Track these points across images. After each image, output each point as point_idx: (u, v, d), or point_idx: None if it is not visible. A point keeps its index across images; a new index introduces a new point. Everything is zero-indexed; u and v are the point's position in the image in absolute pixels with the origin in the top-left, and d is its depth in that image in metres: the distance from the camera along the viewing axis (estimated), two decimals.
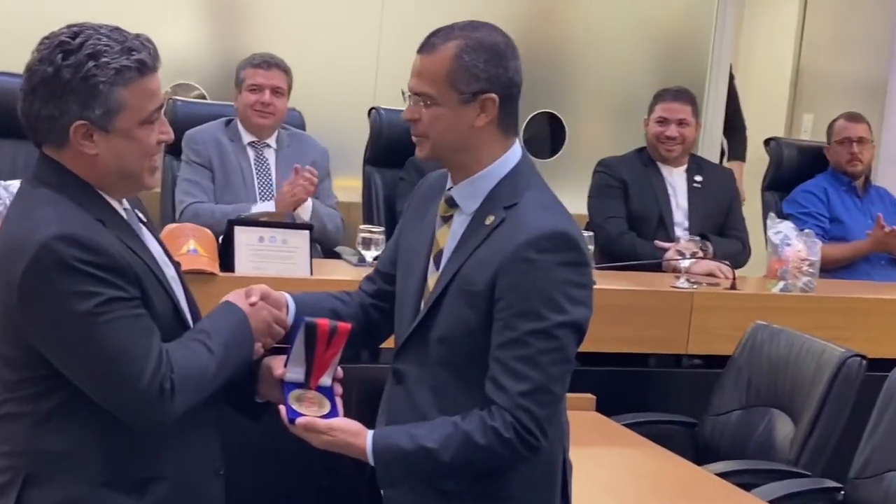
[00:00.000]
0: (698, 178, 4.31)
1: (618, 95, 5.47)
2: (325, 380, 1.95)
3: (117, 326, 1.72)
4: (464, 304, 1.89)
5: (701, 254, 3.78)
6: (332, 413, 1.92)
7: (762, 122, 5.99)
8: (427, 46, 1.91)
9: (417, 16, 4.71)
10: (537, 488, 1.95)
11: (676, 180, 4.30)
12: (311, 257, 3.16)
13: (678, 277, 3.69)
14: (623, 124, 5.36)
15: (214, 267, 2.98)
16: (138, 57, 1.78)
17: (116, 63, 1.76)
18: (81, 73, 1.74)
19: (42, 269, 1.70)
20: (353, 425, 1.89)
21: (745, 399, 3.11)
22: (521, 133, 5.21)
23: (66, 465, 1.77)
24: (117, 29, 1.81)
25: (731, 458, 2.94)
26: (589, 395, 2.98)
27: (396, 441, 1.87)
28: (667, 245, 4.01)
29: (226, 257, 3.06)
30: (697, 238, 3.87)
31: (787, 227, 3.87)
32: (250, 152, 3.97)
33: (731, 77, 5.70)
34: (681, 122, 4.25)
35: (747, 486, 2.60)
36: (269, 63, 3.93)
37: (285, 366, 1.94)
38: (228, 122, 3.99)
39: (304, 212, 3.79)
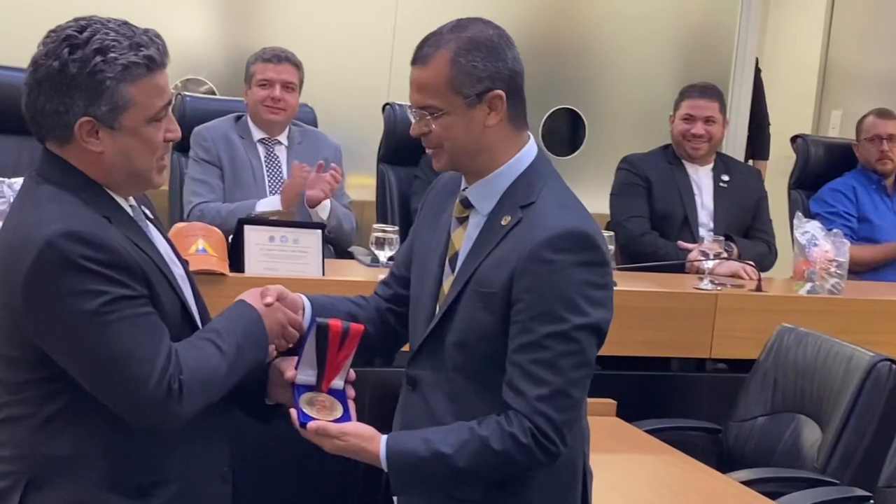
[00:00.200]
0: (725, 177, 4.26)
1: (639, 91, 5.42)
2: (338, 382, 1.93)
3: (124, 326, 1.70)
4: (480, 307, 1.86)
5: (725, 254, 3.73)
6: (345, 417, 1.89)
7: (789, 119, 5.92)
8: (420, 57, 1.88)
9: (433, 8, 4.66)
10: (556, 496, 1.92)
11: (702, 179, 4.25)
12: (324, 257, 3.13)
13: (702, 279, 3.66)
14: (644, 121, 5.32)
15: (224, 267, 2.95)
16: (147, 53, 1.75)
17: (124, 59, 1.73)
18: (88, 69, 1.72)
19: (47, 267, 1.67)
20: (366, 430, 1.86)
21: (770, 405, 3.07)
22: (540, 130, 5.17)
23: (69, 469, 1.75)
24: (126, 23, 1.79)
25: (757, 465, 2.90)
26: (609, 401, 2.96)
27: (411, 446, 1.84)
28: (690, 246, 3.97)
29: (235, 257, 3.03)
30: (722, 238, 3.81)
31: (814, 226, 3.83)
32: (261, 149, 3.93)
33: (758, 71, 5.63)
34: (707, 120, 4.20)
35: (773, 495, 2.56)
36: (280, 57, 3.89)
37: (296, 368, 1.92)
38: (238, 119, 3.95)
39: (323, 210, 3.75)
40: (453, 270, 1.92)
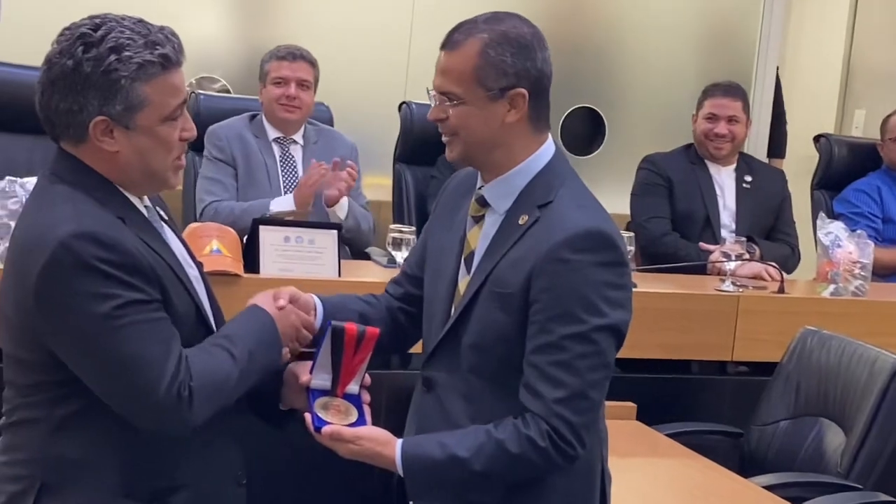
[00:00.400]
0: (748, 177, 4.22)
1: (659, 90, 5.38)
2: (353, 387, 1.92)
3: (135, 331, 1.68)
4: (497, 307, 1.84)
5: (747, 255, 3.69)
6: (360, 421, 1.88)
7: (811, 118, 5.88)
8: (450, 43, 1.86)
9: (450, 5, 4.63)
10: (574, 499, 1.90)
11: (725, 180, 4.22)
12: (340, 258, 3.10)
13: (723, 280, 3.63)
14: (664, 120, 5.29)
15: (238, 268, 2.93)
16: (162, 51, 1.74)
17: (139, 57, 1.72)
18: (102, 67, 1.71)
19: (59, 269, 1.66)
20: (382, 434, 1.85)
21: (793, 408, 3.05)
22: (559, 129, 5.14)
23: (82, 473, 1.74)
24: (141, 21, 1.77)
25: (779, 470, 2.87)
26: (629, 404, 2.94)
27: (426, 450, 1.82)
28: (711, 247, 3.94)
29: (250, 258, 3.01)
30: (744, 240, 3.78)
31: (837, 227, 3.80)
32: (276, 149, 3.91)
33: (776, 68, 5.59)
34: (731, 119, 4.16)
35: (796, 500, 2.54)
36: (295, 55, 3.87)
37: (311, 372, 1.91)
38: (253, 118, 3.93)
39: (341, 210, 3.73)
40: (469, 270, 1.90)
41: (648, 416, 2.94)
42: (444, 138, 1.90)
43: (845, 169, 4.65)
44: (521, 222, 1.85)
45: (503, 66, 1.83)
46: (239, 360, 1.76)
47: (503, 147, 1.87)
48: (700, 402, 3.49)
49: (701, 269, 3.87)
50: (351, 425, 1.84)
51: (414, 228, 3.34)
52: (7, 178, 2.84)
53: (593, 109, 5.30)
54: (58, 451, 1.73)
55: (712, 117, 4.17)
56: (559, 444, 1.79)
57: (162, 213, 1.89)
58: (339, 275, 3.08)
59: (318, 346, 1.89)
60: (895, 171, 4.55)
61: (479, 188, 1.93)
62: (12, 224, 2.61)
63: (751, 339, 3.47)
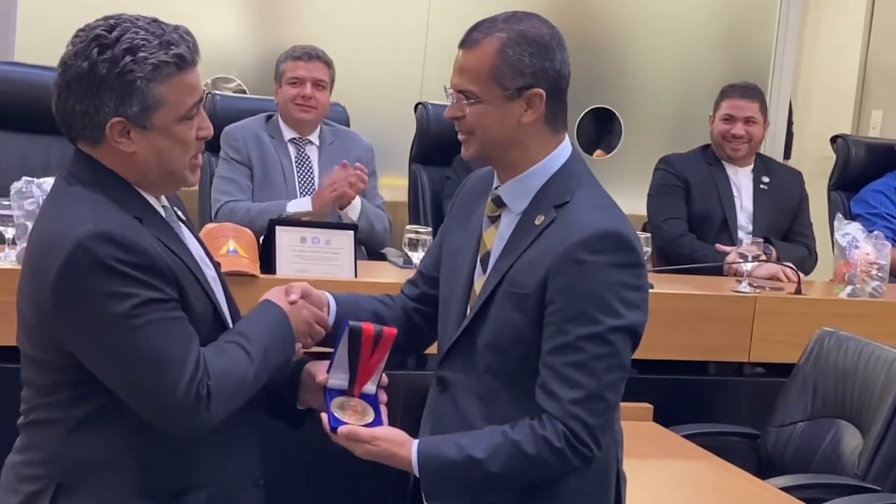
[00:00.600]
0: (765, 178, 4.21)
1: (675, 91, 5.37)
2: (370, 387, 1.91)
3: (153, 330, 1.68)
4: (512, 308, 1.84)
5: (764, 257, 3.68)
6: (376, 422, 1.87)
7: (828, 119, 5.86)
8: (469, 41, 1.86)
9: (467, 6, 4.63)
10: (589, 501, 1.90)
11: (742, 181, 4.21)
12: (356, 259, 3.10)
13: (740, 281, 3.62)
14: (680, 121, 5.28)
15: (255, 268, 2.93)
16: (177, 51, 1.74)
17: (154, 58, 1.71)
18: (118, 69, 1.70)
19: (77, 269, 1.66)
20: (398, 435, 1.84)
21: (810, 410, 3.04)
22: (575, 130, 5.13)
23: (100, 473, 1.73)
24: (155, 21, 1.77)
25: (796, 471, 2.88)
26: (646, 405, 2.94)
27: (442, 451, 1.82)
28: (728, 249, 3.93)
29: (267, 258, 3.02)
30: (760, 241, 3.77)
31: (854, 228, 3.79)
32: (291, 149, 3.91)
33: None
34: (748, 121, 4.16)
35: (813, 502, 2.55)
36: (310, 55, 3.87)
37: (328, 372, 1.90)
38: (269, 118, 3.94)
39: (353, 211, 3.72)
40: (485, 270, 1.90)
41: (665, 417, 2.94)
42: (460, 137, 1.90)
43: (862, 170, 4.62)
44: (537, 223, 1.85)
45: (521, 65, 1.82)
46: (255, 358, 1.76)
47: (519, 147, 1.87)
48: (717, 403, 3.49)
49: (717, 271, 3.87)
50: (367, 425, 1.84)
51: (430, 229, 3.34)
52: (24, 178, 2.85)
53: (610, 110, 5.29)
54: (75, 451, 1.73)
55: (729, 118, 4.16)
56: (575, 446, 1.78)
57: (179, 213, 1.89)
58: (356, 275, 3.09)
59: (336, 345, 1.88)
60: None
61: (496, 188, 1.92)
62: (29, 225, 2.62)
63: (768, 340, 3.47)
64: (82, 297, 1.66)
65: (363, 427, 1.83)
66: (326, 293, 1.97)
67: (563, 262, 1.78)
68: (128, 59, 1.70)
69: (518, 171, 1.88)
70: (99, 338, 1.68)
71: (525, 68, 1.83)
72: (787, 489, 2.58)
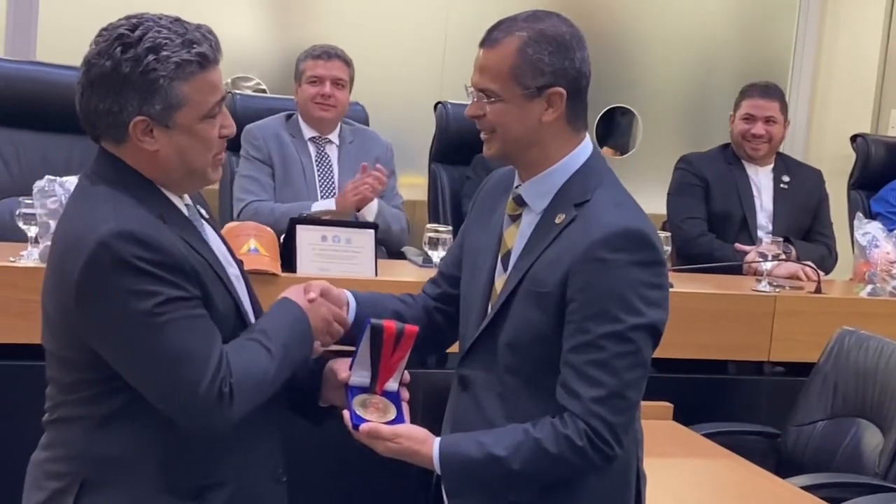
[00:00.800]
0: (785, 178, 4.20)
1: (694, 89, 5.37)
2: (392, 384, 1.91)
3: (176, 327, 1.68)
4: (533, 306, 1.83)
5: (784, 256, 3.67)
6: (398, 419, 1.87)
7: (847, 118, 5.82)
8: (489, 40, 1.86)
9: (485, 5, 4.64)
10: (609, 500, 1.90)
11: (762, 180, 4.19)
12: (376, 257, 3.11)
13: (759, 280, 3.61)
14: (699, 120, 5.26)
15: (276, 267, 2.94)
16: (199, 50, 1.74)
17: (177, 57, 1.72)
18: (141, 68, 1.71)
19: (100, 268, 1.66)
20: (420, 432, 1.84)
21: (830, 409, 3.04)
22: (595, 128, 5.13)
23: (124, 470, 1.74)
24: (178, 20, 1.77)
25: (816, 470, 2.87)
26: (666, 404, 2.93)
27: (464, 449, 1.82)
28: (747, 248, 3.92)
29: (287, 257, 3.02)
30: (780, 240, 3.75)
31: (875, 227, 3.78)
32: (311, 148, 3.92)
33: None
34: (768, 120, 4.14)
35: (833, 501, 2.53)
36: (330, 54, 3.88)
37: (350, 369, 1.90)
38: (289, 117, 3.94)
39: (369, 212, 3.73)
40: (506, 269, 1.90)
41: (685, 416, 2.94)
42: (482, 135, 1.90)
43: (882, 169, 4.61)
44: (557, 221, 1.84)
45: (541, 64, 1.83)
46: (275, 355, 1.76)
47: (540, 145, 1.87)
48: (737, 402, 3.48)
49: (737, 270, 3.86)
50: (389, 423, 1.84)
51: (450, 228, 3.33)
52: (47, 177, 2.86)
53: (628, 109, 5.28)
54: (99, 448, 1.73)
55: (749, 118, 4.15)
56: (597, 444, 1.78)
57: (203, 211, 1.89)
58: (376, 274, 3.09)
59: (357, 343, 1.89)
60: None
61: (516, 187, 1.92)
62: (52, 223, 2.64)
63: (787, 339, 3.46)
64: (105, 295, 1.67)
65: (385, 424, 1.83)
66: (347, 292, 1.97)
67: (583, 261, 1.78)
68: (151, 57, 1.70)
69: (539, 169, 1.88)
70: (122, 336, 1.68)
71: (545, 67, 1.83)
72: (807, 488, 2.58)
